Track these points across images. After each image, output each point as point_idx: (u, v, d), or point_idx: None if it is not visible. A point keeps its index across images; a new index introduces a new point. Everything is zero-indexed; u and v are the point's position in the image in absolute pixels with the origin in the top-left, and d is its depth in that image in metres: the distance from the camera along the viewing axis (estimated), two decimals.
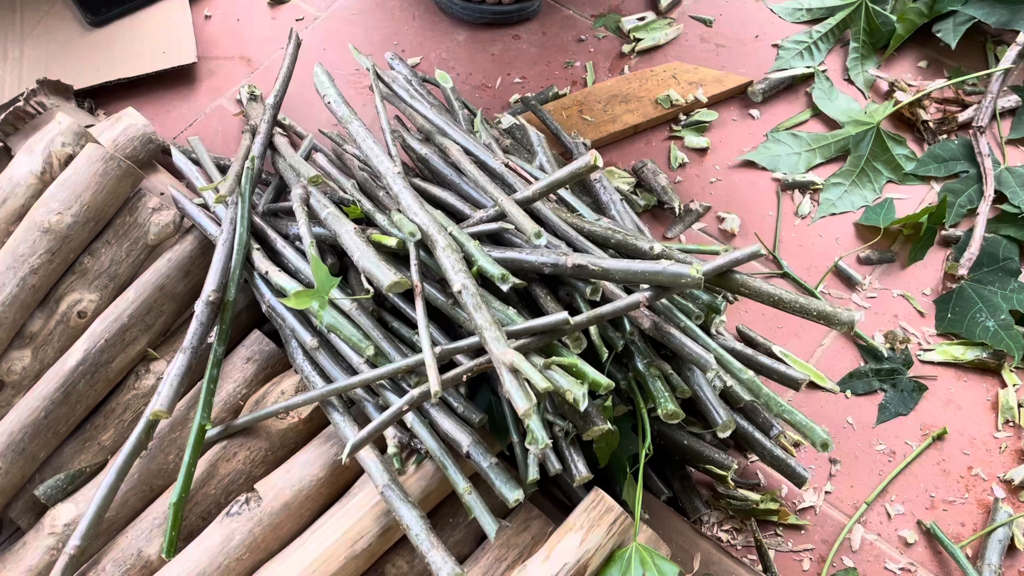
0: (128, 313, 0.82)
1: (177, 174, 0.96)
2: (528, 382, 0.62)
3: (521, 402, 0.61)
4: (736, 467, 0.78)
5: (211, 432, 0.78)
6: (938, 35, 1.06)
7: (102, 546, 0.77)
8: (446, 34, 1.14)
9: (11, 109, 1.02)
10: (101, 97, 1.10)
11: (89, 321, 0.83)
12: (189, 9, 1.16)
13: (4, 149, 1.03)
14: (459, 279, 0.68)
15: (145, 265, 0.86)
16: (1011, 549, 0.79)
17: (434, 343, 0.72)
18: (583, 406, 0.64)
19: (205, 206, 0.87)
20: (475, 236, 0.76)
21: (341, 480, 0.77)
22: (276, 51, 1.14)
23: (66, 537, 0.76)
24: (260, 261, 0.81)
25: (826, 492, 0.83)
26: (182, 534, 0.76)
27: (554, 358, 0.67)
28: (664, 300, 0.74)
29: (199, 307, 0.78)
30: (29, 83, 1.10)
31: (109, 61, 1.12)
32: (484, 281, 0.74)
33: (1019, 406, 0.86)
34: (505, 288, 0.70)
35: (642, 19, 1.13)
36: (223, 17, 1.18)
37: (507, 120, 0.99)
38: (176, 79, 1.12)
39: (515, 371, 0.63)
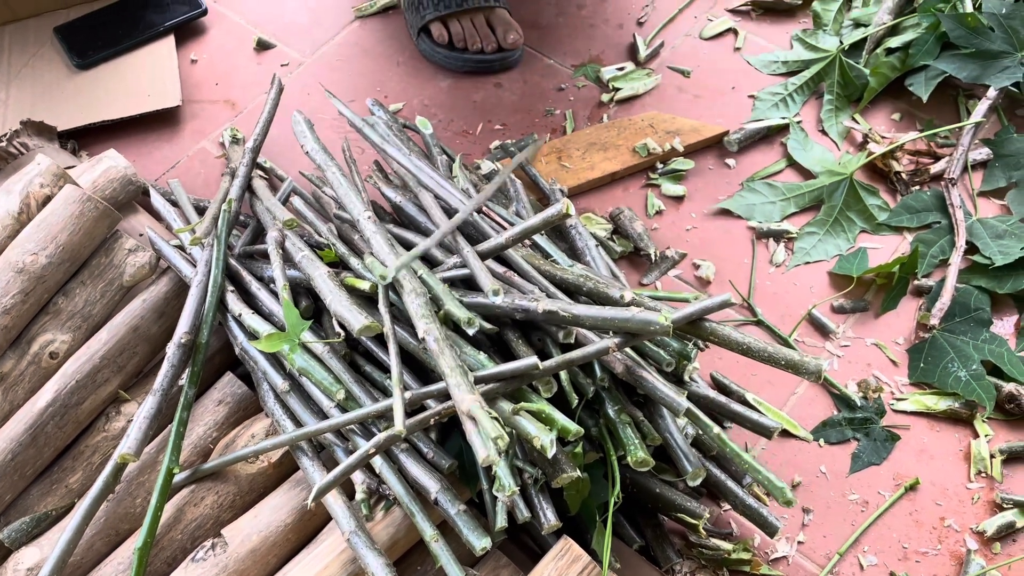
0: (100, 354, 0.82)
1: (156, 216, 0.97)
2: (499, 425, 0.62)
3: (481, 450, 0.61)
4: (708, 516, 0.78)
5: (179, 476, 0.78)
6: (910, 88, 1.08)
7: None
8: (429, 81, 1.15)
9: None
10: (85, 138, 1.11)
11: (61, 362, 0.83)
12: (175, 53, 1.18)
13: None
14: (423, 324, 0.69)
15: (120, 306, 0.86)
16: None
17: (405, 387, 0.72)
18: (551, 453, 0.64)
19: (181, 248, 0.87)
20: (448, 280, 0.76)
21: (309, 526, 0.77)
22: (260, 95, 1.15)
23: None
24: (234, 303, 0.81)
25: (799, 542, 0.83)
26: None
27: (522, 404, 0.67)
28: (634, 347, 0.74)
29: (171, 349, 0.78)
30: (14, 124, 1.11)
31: (94, 103, 1.13)
32: (457, 326, 0.74)
33: (991, 457, 0.86)
34: (471, 332, 0.70)
35: (621, 69, 1.15)
36: (209, 61, 1.19)
37: (486, 166, 1.00)
38: (160, 121, 1.13)
39: (472, 418, 0.63)
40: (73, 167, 1.01)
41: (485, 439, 0.61)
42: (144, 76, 1.16)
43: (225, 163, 1.10)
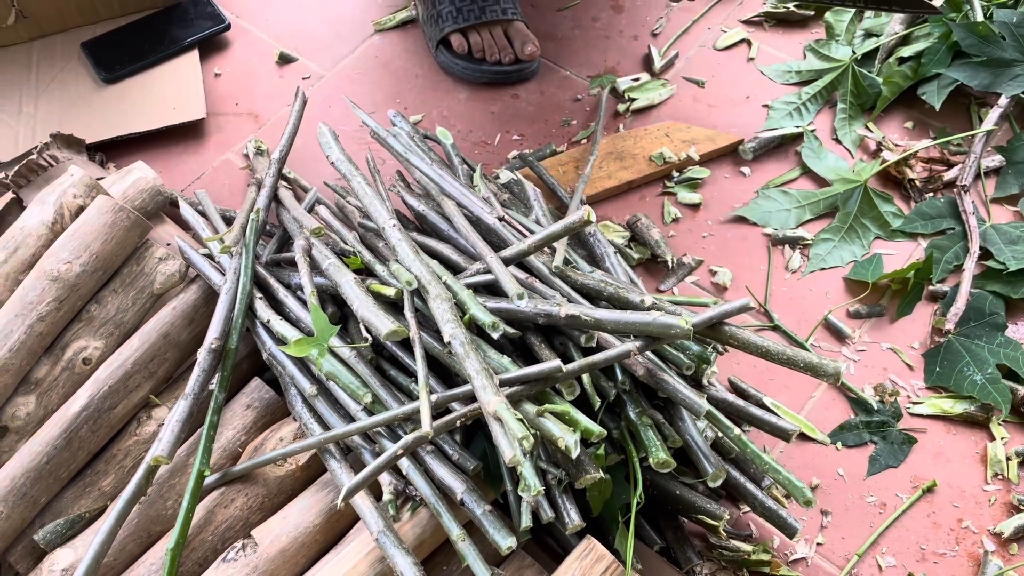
0: (132, 360, 0.84)
1: (184, 225, 0.99)
2: (524, 425, 0.64)
3: (507, 450, 0.63)
4: (728, 517, 0.79)
5: (210, 479, 0.79)
6: (923, 97, 1.09)
7: None
8: (448, 93, 1.18)
9: (24, 162, 1.05)
10: (113, 151, 1.14)
11: (94, 368, 0.85)
12: (200, 67, 1.20)
13: (16, 200, 1.06)
14: (449, 328, 0.71)
15: (150, 313, 0.88)
16: None
17: (431, 391, 0.74)
18: (575, 453, 0.66)
19: (210, 256, 0.89)
20: (471, 287, 0.78)
21: (337, 527, 0.78)
22: (283, 107, 1.18)
23: None
24: (262, 310, 0.83)
25: (818, 544, 0.84)
26: None
27: (546, 405, 0.69)
28: (654, 351, 0.76)
29: (201, 354, 0.80)
30: (43, 137, 1.14)
31: (121, 116, 1.16)
32: (480, 331, 0.76)
33: (1007, 459, 0.87)
34: (496, 335, 0.72)
35: (637, 80, 1.17)
36: (232, 74, 1.22)
37: (505, 175, 1.02)
38: (186, 134, 1.16)
39: (497, 417, 0.64)
40: (102, 178, 1.03)
41: (511, 440, 0.63)
42: (169, 90, 1.18)
43: (249, 174, 1.12)
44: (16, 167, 1.05)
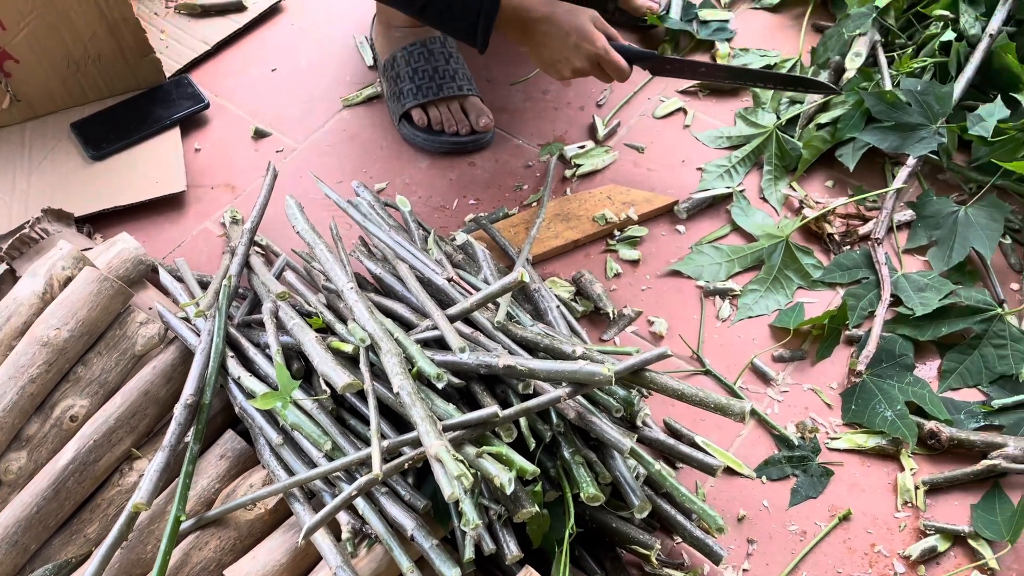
0: (115, 417, 0.92)
1: (164, 291, 1.08)
2: (464, 466, 0.72)
3: (447, 487, 0.71)
4: (659, 547, 0.87)
5: (185, 524, 0.87)
6: (840, 159, 1.20)
7: None
8: (410, 162, 1.28)
9: (17, 235, 1.14)
10: (100, 222, 1.23)
11: (80, 425, 0.93)
12: (181, 143, 1.30)
13: (9, 272, 1.15)
14: (397, 380, 0.79)
15: (132, 373, 0.96)
16: None
17: (384, 436, 0.82)
18: (509, 490, 0.74)
19: (187, 319, 0.98)
20: (421, 341, 0.87)
21: (302, 565, 0.86)
22: (258, 179, 1.28)
23: None
24: (234, 367, 0.91)
25: (744, 570, 0.92)
26: None
27: (485, 447, 0.77)
28: (586, 396, 0.85)
29: (178, 410, 0.88)
30: (35, 211, 1.23)
31: (108, 190, 1.25)
32: (429, 381, 0.84)
33: (916, 488, 0.95)
34: (440, 386, 0.80)
35: (582, 147, 1.27)
36: (211, 149, 1.32)
37: (461, 237, 1.12)
38: (167, 205, 1.25)
39: (439, 460, 0.73)
40: (90, 248, 1.12)
41: (450, 478, 0.71)
42: (152, 165, 1.28)
43: (226, 241, 1.21)
44: (10, 240, 1.15)
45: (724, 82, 1.30)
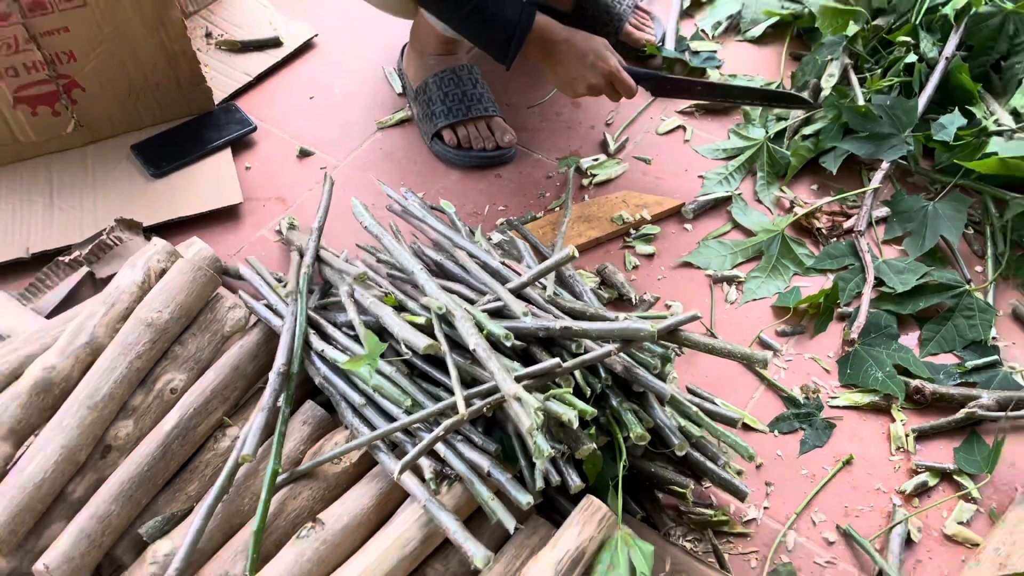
0: (211, 389, 1.04)
1: (231, 288, 1.21)
2: (536, 401, 0.86)
3: (526, 420, 0.85)
4: (692, 486, 1.01)
5: (280, 477, 0.99)
6: (823, 165, 1.38)
7: (194, 572, 0.95)
8: (442, 176, 1.43)
9: (96, 242, 1.27)
10: (164, 232, 1.36)
11: (179, 396, 1.05)
12: (233, 162, 1.44)
13: (89, 275, 1.27)
14: (473, 339, 0.93)
15: (221, 351, 1.08)
16: (908, 542, 1.02)
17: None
18: (575, 425, 0.87)
19: (268, 306, 1.11)
20: (485, 312, 1.00)
21: (385, 509, 0.98)
22: (305, 192, 1.42)
23: (166, 565, 0.94)
24: (316, 342, 1.04)
25: (764, 507, 1.06)
26: (259, 558, 0.95)
27: (551, 391, 0.91)
28: (629, 355, 0.99)
29: (272, 376, 1.01)
30: (103, 225, 1.35)
31: (169, 204, 1.38)
32: (493, 345, 0.98)
33: (906, 435, 1.11)
34: (508, 344, 0.94)
35: (596, 160, 1.44)
36: (260, 167, 1.46)
37: (496, 237, 1.26)
38: (225, 216, 1.38)
39: (518, 399, 0.86)
40: None
41: (528, 412, 0.85)
42: (209, 181, 1.41)
43: (282, 246, 1.34)
44: (89, 247, 1.27)
45: (717, 99, 1.48)
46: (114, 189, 1.41)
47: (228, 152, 1.46)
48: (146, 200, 1.39)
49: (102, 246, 1.28)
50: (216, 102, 1.53)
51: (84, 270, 1.26)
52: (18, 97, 1.38)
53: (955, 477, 1.07)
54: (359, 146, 1.49)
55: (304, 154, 1.47)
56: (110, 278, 1.26)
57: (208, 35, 1.65)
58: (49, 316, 1.22)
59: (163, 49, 1.41)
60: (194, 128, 1.48)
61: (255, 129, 1.49)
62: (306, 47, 1.65)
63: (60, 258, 1.28)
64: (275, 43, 1.64)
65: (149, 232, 1.34)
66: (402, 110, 1.53)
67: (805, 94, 1.45)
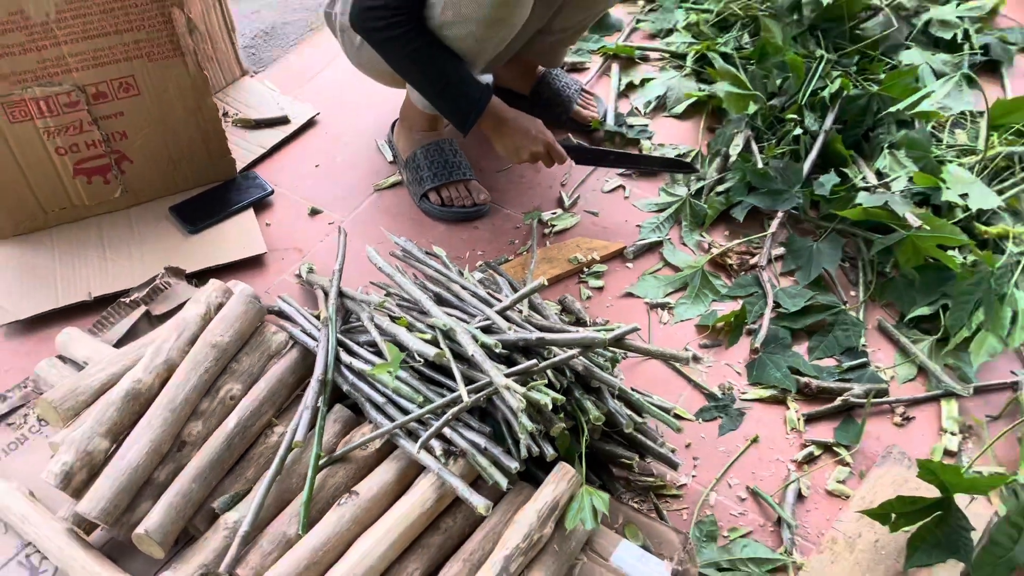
0: (261, 396, 1.33)
1: (279, 315, 1.50)
2: (516, 396, 1.17)
3: (514, 402, 1.16)
4: (637, 460, 1.33)
5: (322, 460, 1.28)
6: (733, 215, 1.74)
7: (256, 534, 1.23)
8: (430, 228, 1.76)
9: (151, 286, 1.56)
10: (202, 278, 1.64)
11: (237, 402, 1.33)
12: (255, 219, 1.75)
13: (146, 313, 1.55)
14: (471, 347, 1.24)
15: (268, 366, 1.38)
16: (800, 497, 1.35)
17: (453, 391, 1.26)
18: (549, 408, 1.19)
19: (303, 331, 1.40)
20: (478, 328, 1.32)
21: (404, 482, 1.27)
22: (317, 243, 1.73)
23: (235, 530, 1.22)
24: (344, 357, 1.34)
25: (692, 476, 1.38)
26: (308, 522, 1.23)
27: (531, 384, 1.22)
28: (587, 358, 1.31)
29: (313, 383, 1.30)
30: (150, 274, 1.62)
31: (205, 255, 1.68)
32: (486, 353, 1.29)
33: (798, 419, 1.45)
34: (497, 351, 1.26)
35: (555, 213, 1.78)
36: (278, 224, 1.76)
37: (478, 275, 1.59)
38: (252, 264, 1.68)
39: (508, 388, 1.18)
40: None
41: (515, 398, 1.16)
42: (237, 236, 1.71)
43: (300, 286, 1.65)
44: (145, 290, 1.56)
45: (625, 166, 1.84)
46: (157, 244, 1.70)
47: (251, 212, 1.76)
48: (185, 252, 1.68)
49: (156, 289, 1.56)
50: (238, 170, 1.84)
51: (142, 309, 1.54)
52: (77, 169, 1.67)
53: (834, 448, 1.41)
54: (359, 205, 1.80)
55: (314, 212, 1.79)
56: (164, 315, 1.55)
57: (225, 114, 1.97)
58: (116, 346, 1.49)
59: (198, 128, 1.72)
60: (221, 192, 1.79)
61: (272, 192, 1.80)
62: (310, 123, 1.97)
63: (121, 299, 1.56)
64: (284, 121, 1.96)
65: (190, 278, 1.64)
66: (394, 175, 1.86)
67: (718, 160, 1.82)
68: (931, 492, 1.23)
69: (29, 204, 1.67)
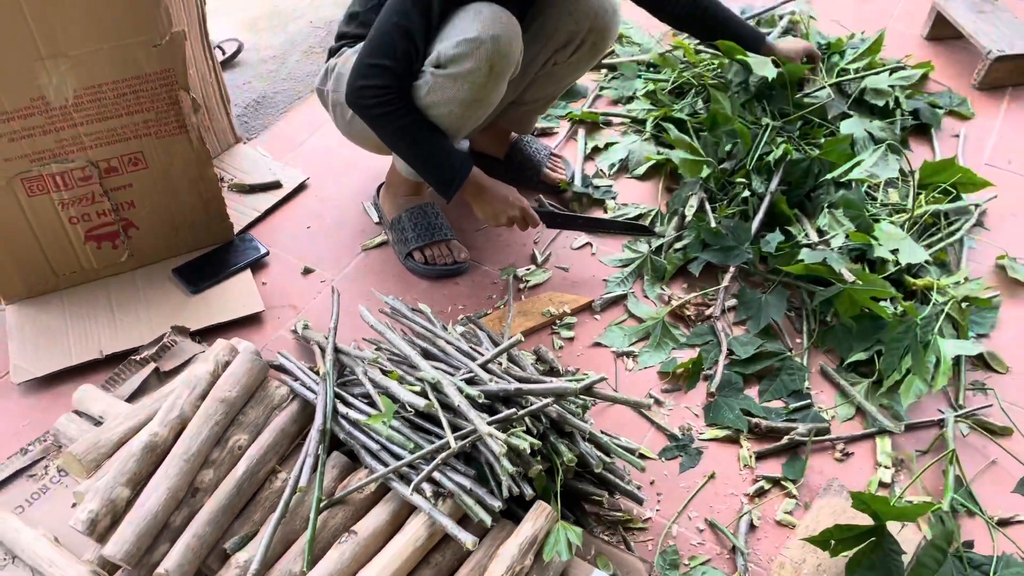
0: (266, 446, 1.47)
1: (280, 369, 1.64)
2: (498, 441, 1.32)
3: (497, 448, 1.31)
4: (607, 496, 1.48)
5: (323, 503, 1.42)
6: (690, 269, 1.92)
7: (265, 572, 1.36)
8: (414, 285, 1.91)
9: (160, 343, 1.70)
10: (204, 336, 1.79)
11: (244, 451, 1.47)
12: (252, 279, 1.89)
13: (155, 369, 1.69)
14: (456, 398, 1.40)
15: (271, 418, 1.52)
16: (752, 527, 1.51)
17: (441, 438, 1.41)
18: (528, 451, 1.34)
19: (303, 384, 1.55)
20: (462, 380, 1.47)
21: (397, 522, 1.41)
22: (310, 300, 1.87)
23: (246, 568, 1.35)
24: (341, 408, 1.49)
25: (656, 510, 1.54)
26: (312, 560, 1.37)
27: (511, 430, 1.38)
28: (561, 405, 1.47)
29: (313, 433, 1.44)
30: (157, 332, 1.76)
31: (207, 313, 1.82)
32: (470, 403, 1.44)
33: (750, 456, 1.61)
34: (480, 401, 1.41)
35: (528, 269, 1.94)
36: (273, 283, 1.91)
37: (460, 329, 1.74)
38: (251, 322, 1.82)
39: (491, 435, 1.33)
40: (203, 351, 1.68)
41: (497, 444, 1.32)
42: (236, 295, 1.85)
43: (296, 341, 1.79)
44: (155, 347, 1.70)
45: (592, 230, 2.01)
46: (161, 303, 1.84)
47: (248, 272, 1.91)
48: (188, 311, 1.82)
49: (164, 347, 1.70)
50: (235, 233, 1.98)
51: (151, 366, 1.68)
52: (88, 236, 1.81)
53: (782, 482, 1.58)
54: (349, 263, 1.96)
55: (307, 271, 1.94)
56: (171, 371, 1.69)
57: (221, 179, 2.12)
58: (128, 400, 1.63)
59: (200, 196, 1.87)
60: (220, 254, 1.93)
61: (267, 253, 1.95)
62: (301, 187, 2.13)
63: (132, 357, 1.69)
64: (276, 185, 2.11)
65: (194, 336, 1.77)
66: (380, 235, 2.01)
67: (675, 219, 2.00)
68: (867, 520, 1.39)
69: (42, 268, 1.81)
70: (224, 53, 2.49)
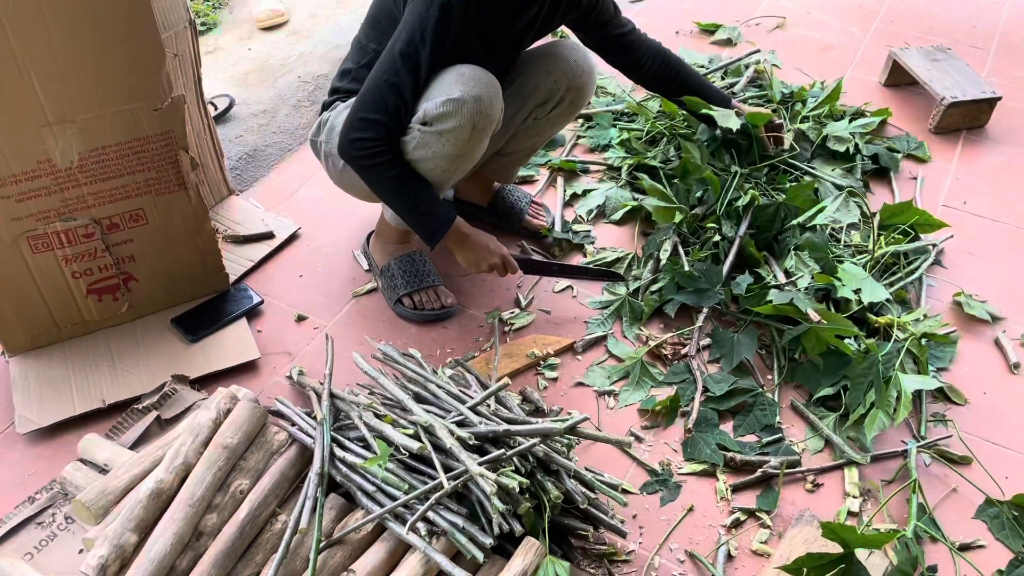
0: (267, 489, 1.54)
1: (277, 415, 1.71)
2: (488, 481, 1.41)
3: (487, 487, 1.40)
4: (592, 531, 1.56)
5: (322, 544, 1.49)
6: (666, 310, 2.02)
7: None
8: (404, 329, 2.00)
9: (161, 392, 1.77)
10: (203, 383, 1.86)
11: (246, 495, 1.54)
12: (248, 327, 1.97)
13: (156, 417, 1.76)
14: (448, 441, 1.48)
15: (271, 462, 1.59)
16: (729, 557, 1.60)
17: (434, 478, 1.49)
18: (516, 490, 1.43)
19: (300, 429, 1.62)
20: (453, 423, 1.56)
21: (394, 560, 1.48)
22: (304, 347, 1.95)
23: None
24: (338, 451, 1.57)
25: (639, 542, 1.62)
26: None
27: (500, 470, 1.46)
28: (547, 445, 1.55)
29: (312, 477, 1.52)
30: (157, 380, 1.83)
31: (205, 361, 1.89)
32: (461, 444, 1.53)
33: (727, 489, 1.70)
34: (471, 443, 1.50)
35: (513, 313, 2.04)
36: (268, 330, 1.99)
37: (448, 371, 1.83)
38: (247, 369, 1.90)
39: (481, 475, 1.42)
40: (205, 398, 1.75)
41: (487, 483, 1.40)
42: (232, 343, 1.93)
43: (292, 387, 1.87)
44: (156, 396, 1.77)
45: (566, 277, 2.11)
46: (161, 353, 1.91)
47: (244, 320, 1.99)
48: (186, 360, 1.90)
49: (165, 395, 1.77)
50: (230, 283, 2.06)
51: (153, 414, 1.75)
52: (90, 289, 1.88)
53: (757, 513, 1.67)
54: (340, 310, 2.04)
55: (300, 319, 2.02)
56: (173, 419, 1.76)
57: (216, 231, 2.20)
58: (132, 448, 1.69)
59: (197, 249, 1.95)
60: (216, 303, 2.01)
61: (262, 302, 2.03)
62: (292, 237, 2.22)
63: (134, 406, 1.76)
64: (269, 235, 2.20)
65: (193, 384, 1.85)
66: (370, 283, 2.10)
67: (651, 263, 2.11)
68: (837, 548, 1.48)
69: (45, 321, 1.87)
70: (216, 108, 2.59)
